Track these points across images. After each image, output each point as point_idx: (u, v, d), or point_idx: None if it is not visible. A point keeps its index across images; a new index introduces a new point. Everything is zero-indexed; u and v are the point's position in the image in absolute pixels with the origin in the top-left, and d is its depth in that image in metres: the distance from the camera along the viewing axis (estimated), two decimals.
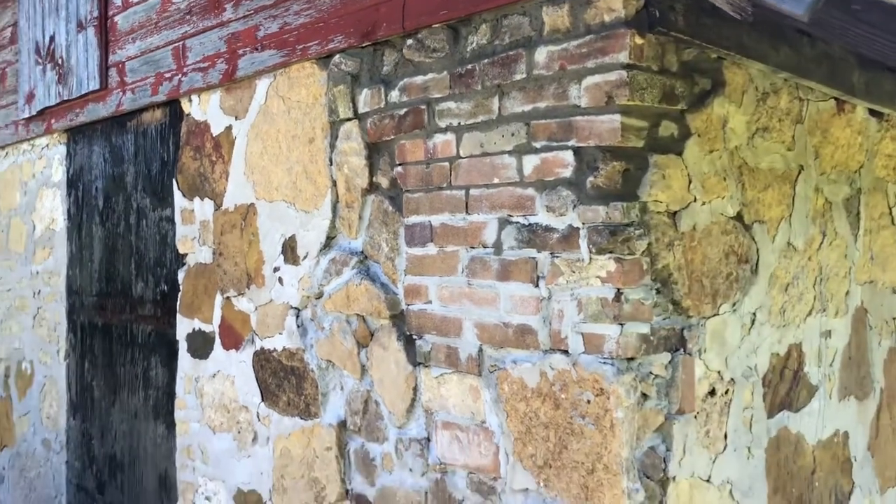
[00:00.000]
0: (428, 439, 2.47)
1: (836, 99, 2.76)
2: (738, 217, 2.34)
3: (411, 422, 2.52)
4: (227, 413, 3.28)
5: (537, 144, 2.12)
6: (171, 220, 3.62)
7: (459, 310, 2.34)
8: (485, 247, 2.27)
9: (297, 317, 2.90)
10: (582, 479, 2.05)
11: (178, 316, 3.57)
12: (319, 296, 2.81)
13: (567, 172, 2.06)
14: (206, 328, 3.39)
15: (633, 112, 1.98)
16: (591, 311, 2.01)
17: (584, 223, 2.02)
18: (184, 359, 3.53)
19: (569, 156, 2.05)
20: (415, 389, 2.50)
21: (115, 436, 4.09)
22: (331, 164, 2.76)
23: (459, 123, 2.33)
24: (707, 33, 2.09)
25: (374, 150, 2.63)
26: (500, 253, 2.22)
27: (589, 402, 2.03)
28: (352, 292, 2.66)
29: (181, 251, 3.54)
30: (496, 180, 2.23)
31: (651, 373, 2.07)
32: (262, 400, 3.08)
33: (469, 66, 2.29)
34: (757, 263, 2.41)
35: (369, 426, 2.66)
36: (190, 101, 3.47)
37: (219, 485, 3.33)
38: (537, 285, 2.13)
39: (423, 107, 2.43)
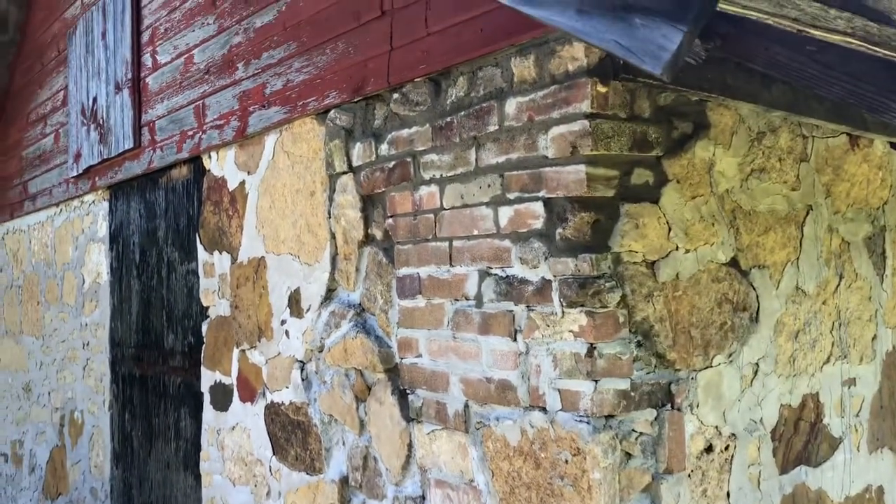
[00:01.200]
0: (423, 497, 2.42)
1: (848, 134, 2.64)
2: (733, 263, 2.24)
3: (407, 479, 2.47)
4: (244, 466, 3.29)
5: (511, 196, 2.09)
6: (196, 274, 3.70)
7: (446, 364, 2.30)
8: (467, 299, 2.23)
9: (302, 370, 2.91)
10: None
11: (202, 368, 3.62)
12: (321, 349, 2.82)
13: (538, 224, 2.01)
14: (226, 380, 3.44)
15: (599, 161, 1.92)
16: (566, 367, 1.95)
17: (555, 276, 1.97)
18: (207, 411, 3.58)
19: (539, 207, 2.00)
20: (409, 446, 2.46)
21: (151, 486, 4.16)
22: (329, 216, 2.78)
23: (442, 175, 2.31)
24: (683, 77, 2.02)
25: (369, 203, 2.63)
26: (481, 305, 2.18)
27: (567, 461, 1.95)
28: (349, 346, 2.65)
29: (204, 304, 3.61)
30: (475, 232, 2.20)
31: (634, 430, 1.98)
32: (274, 454, 3.08)
33: (448, 119, 2.28)
34: (758, 311, 2.29)
35: (369, 483, 2.62)
36: (209, 157, 3.56)
37: None
38: (515, 339, 2.08)
39: (410, 159, 2.43)
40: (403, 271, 2.47)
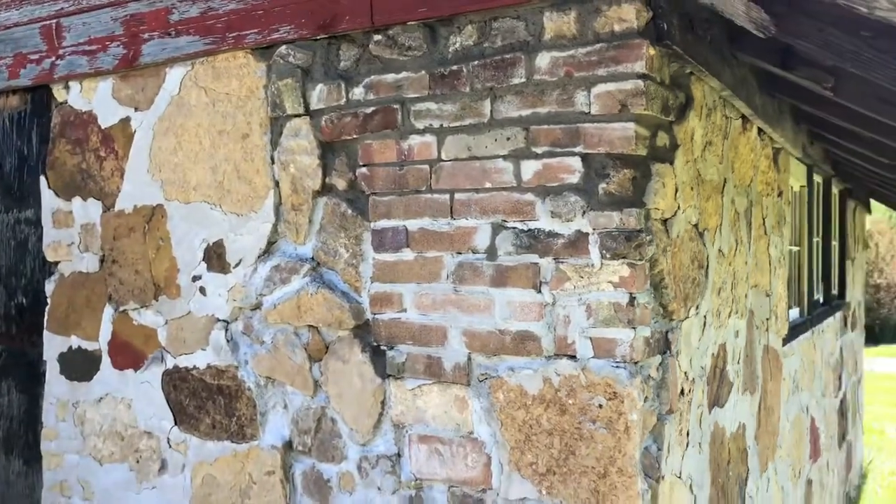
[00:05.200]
0: (399, 455, 2.35)
1: (742, 118, 3.02)
2: (696, 225, 2.48)
3: (378, 438, 2.39)
4: (120, 441, 2.91)
5: (538, 150, 2.11)
6: (34, 223, 3.16)
7: (443, 318, 2.26)
8: (475, 252, 2.21)
9: (226, 330, 2.65)
10: (592, 484, 2.06)
11: (46, 333, 3.11)
12: (257, 307, 2.59)
13: (574, 178, 2.06)
14: (89, 346, 2.99)
15: (641, 121, 2.03)
16: (603, 316, 2.03)
17: (594, 229, 2.04)
18: (55, 382, 3.08)
19: (576, 162, 2.06)
20: (383, 403, 2.38)
21: None
22: (273, 162, 2.56)
23: (441, 125, 2.25)
24: (691, 49, 2.20)
25: (329, 150, 2.47)
26: (495, 258, 2.18)
27: (601, 406, 2.04)
28: (304, 302, 2.47)
29: (51, 259, 3.09)
30: (488, 184, 2.18)
31: (649, 375, 2.12)
32: (177, 424, 2.76)
33: (454, 67, 2.22)
34: (707, 268, 2.57)
35: (322, 445, 2.48)
36: (66, 88, 3.04)
37: None
38: (540, 291, 2.11)
39: (396, 106, 2.33)
40: (382, 224, 2.36)
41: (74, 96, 3.02)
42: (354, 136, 2.41)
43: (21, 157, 3.22)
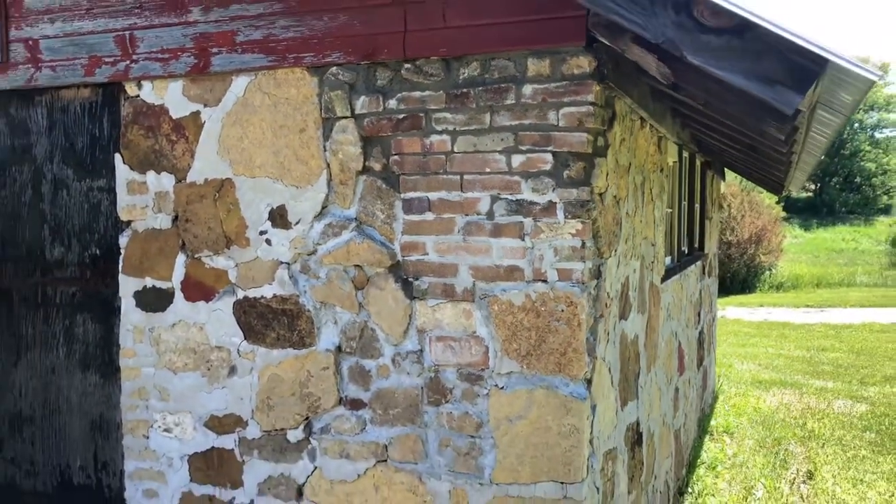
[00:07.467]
0: (422, 351, 3.48)
1: (641, 119, 4.28)
2: (615, 196, 3.71)
3: (406, 340, 3.51)
4: (193, 355, 3.89)
5: (523, 148, 3.26)
6: (107, 190, 4.04)
7: (455, 258, 3.39)
8: (479, 214, 3.34)
9: (288, 270, 3.67)
10: (556, 360, 3.26)
11: (122, 276, 4.02)
12: (312, 253, 3.63)
13: (547, 167, 3.23)
14: (163, 285, 3.93)
15: (590, 131, 3.21)
16: (565, 255, 3.22)
17: (560, 199, 3.22)
18: (131, 313, 4.01)
19: (549, 157, 3.22)
20: (410, 316, 3.49)
21: (20, 394, 4.31)
22: (325, 150, 3.58)
23: (455, 129, 3.36)
24: (618, 81, 3.39)
25: (368, 142, 3.52)
26: (493, 219, 3.32)
27: (562, 310, 3.24)
28: (353, 248, 3.54)
29: (125, 218, 3.99)
30: (488, 170, 3.32)
31: (590, 292, 3.34)
32: (245, 339, 3.78)
33: (465, 90, 3.33)
34: (620, 225, 3.81)
35: (364, 347, 3.57)
36: (139, 85, 3.92)
37: (183, 416, 3.93)
38: (523, 239, 3.28)
39: (421, 114, 3.41)
40: (410, 195, 3.45)
41: (147, 92, 3.91)
42: (389, 134, 3.47)
43: (93, 138, 4.08)
